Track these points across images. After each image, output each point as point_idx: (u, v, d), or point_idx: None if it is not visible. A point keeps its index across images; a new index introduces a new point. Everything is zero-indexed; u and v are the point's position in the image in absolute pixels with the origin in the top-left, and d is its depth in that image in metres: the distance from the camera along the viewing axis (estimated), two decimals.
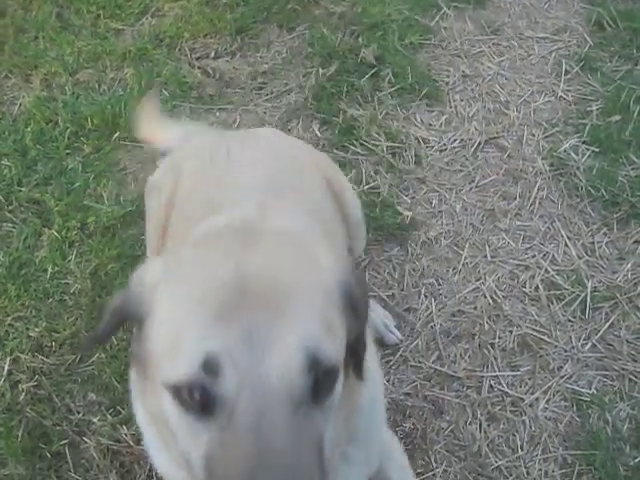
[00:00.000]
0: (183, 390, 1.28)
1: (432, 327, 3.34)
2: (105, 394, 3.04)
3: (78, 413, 2.99)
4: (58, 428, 2.95)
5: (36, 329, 3.20)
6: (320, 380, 1.30)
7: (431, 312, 3.38)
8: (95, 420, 2.96)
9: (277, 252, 1.41)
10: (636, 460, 3.09)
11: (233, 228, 1.55)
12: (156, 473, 2.83)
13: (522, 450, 3.06)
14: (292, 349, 1.26)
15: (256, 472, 1.20)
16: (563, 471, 3.03)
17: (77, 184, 3.73)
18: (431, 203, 3.71)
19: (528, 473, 3.01)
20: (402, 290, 3.41)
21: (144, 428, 1.73)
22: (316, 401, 1.31)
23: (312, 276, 1.40)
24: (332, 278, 1.43)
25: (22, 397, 3.01)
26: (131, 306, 1.44)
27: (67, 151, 3.91)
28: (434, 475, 2.95)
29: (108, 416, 2.97)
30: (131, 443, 2.89)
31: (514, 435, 3.09)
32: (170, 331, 1.34)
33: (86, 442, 2.91)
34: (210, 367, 1.25)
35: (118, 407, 2.99)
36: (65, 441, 2.91)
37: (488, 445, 3.05)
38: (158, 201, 2.47)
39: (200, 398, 1.27)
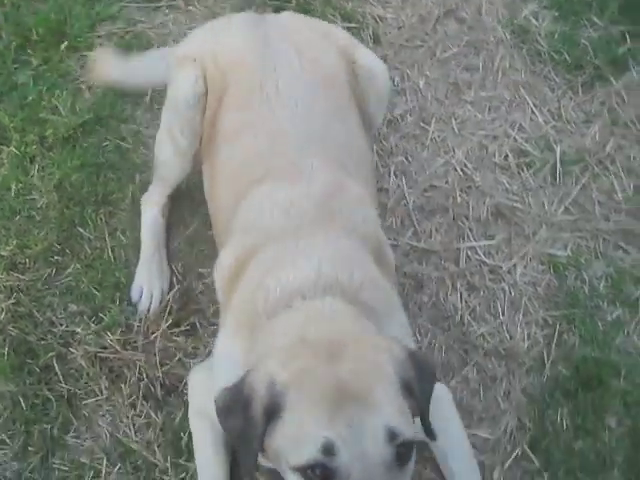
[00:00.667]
0: (309, 470, 1.79)
1: (405, 204, 3.33)
2: (85, 303, 3.01)
3: (61, 325, 2.97)
4: (43, 342, 2.93)
5: (7, 248, 3.14)
6: (400, 450, 1.80)
7: (403, 190, 3.36)
8: (79, 330, 2.94)
9: (355, 362, 1.89)
10: (614, 315, 3.16)
11: (320, 342, 1.95)
12: (147, 374, 2.86)
13: (504, 316, 3.11)
14: (379, 431, 1.78)
15: None
16: (545, 332, 3.09)
17: (30, 98, 3.59)
18: (394, 81, 3.63)
19: (511, 337, 3.07)
20: None
21: None
22: (400, 466, 1.81)
23: (381, 375, 1.90)
24: (395, 372, 1.92)
25: (2, 316, 2.97)
26: (272, 399, 1.86)
27: (15, 65, 3.74)
28: (420, 348, 2.99)
29: (91, 324, 2.95)
30: (118, 348, 2.88)
31: (495, 302, 3.13)
32: (296, 427, 1.83)
33: (73, 352, 2.89)
34: (328, 449, 1.76)
35: (100, 314, 2.98)
36: (52, 354, 2.89)
37: (470, 314, 3.09)
38: (195, 75, 2.87)
39: (322, 472, 1.78)
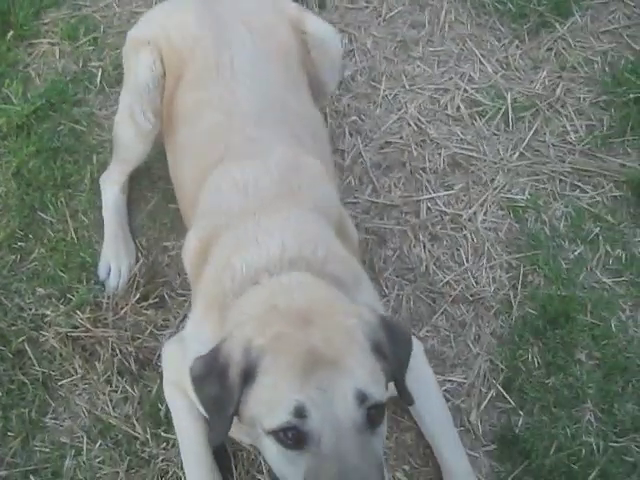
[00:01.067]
0: (281, 433, 1.82)
1: (362, 163, 3.33)
2: (53, 286, 2.99)
3: (30, 310, 2.95)
4: (13, 328, 2.90)
5: None
6: (371, 413, 1.84)
7: (359, 148, 3.36)
8: (48, 312, 2.91)
9: (327, 327, 1.92)
10: (575, 253, 3.19)
11: (291, 310, 1.98)
12: (120, 350, 2.85)
13: (468, 262, 3.13)
14: (349, 394, 1.81)
15: None
16: (509, 275, 3.12)
17: None
18: (342, 44, 3.62)
19: (477, 282, 3.09)
20: None
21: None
22: (372, 429, 1.85)
23: (351, 339, 1.92)
24: (365, 336, 1.95)
25: None
26: (248, 364, 1.88)
27: None
28: (388, 301, 3.00)
29: (60, 306, 2.93)
30: (88, 326, 2.87)
31: (458, 250, 3.15)
32: (270, 391, 1.86)
33: (44, 335, 2.87)
34: (300, 412, 1.79)
35: (68, 295, 2.96)
36: (23, 338, 2.87)
37: (435, 263, 3.11)
38: (152, 58, 2.85)
39: (294, 436, 1.81)
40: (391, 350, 1.99)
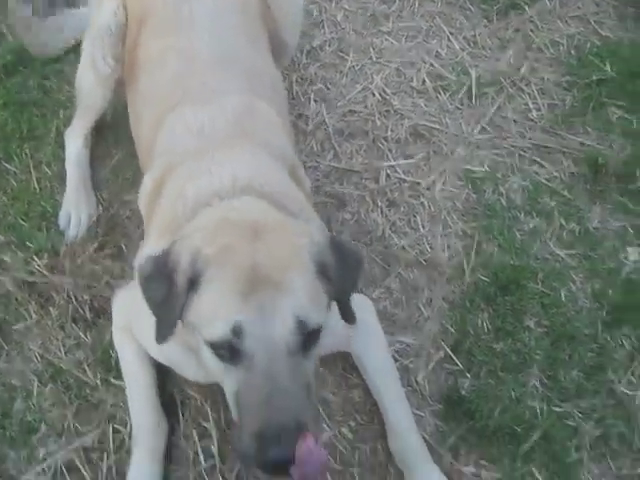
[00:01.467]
0: (217, 346, 1.87)
1: (325, 129, 3.36)
2: (12, 233, 3.00)
3: None
4: None
5: None
6: (307, 337, 1.87)
7: (322, 115, 3.39)
8: (6, 258, 2.92)
9: (273, 244, 1.93)
10: (530, 225, 3.22)
11: (242, 222, 2.00)
12: (75, 297, 2.86)
13: (424, 229, 3.16)
14: (288, 318, 1.84)
15: (266, 405, 1.81)
16: (464, 242, 3.15)
17: None
18: (312, 15, 3.66)
19: (432, 248, 3.12)
20: (292, 98, 3.39)
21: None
22: (305, 352, 1.89)
23: (297, 258, 1.93)
24: (311, 256, 1.95)
25: None
26: (194, 273, 1.90)
27: None
28: None
29: (19, 252, 2.94)
30: (45, 273, 2.88)
31: (414, 217, 3.18)
32: (211, 304, 1.89)
33: (1, 280, 2.88)
34: (237, 331, 1.82)
35: (27, 243, 2.96)
36: None
37: (391, 228, 3.14)
38: (116, 4, 2.88)
39: (230, 352, 1.86)
40: (338, 272, 2.00)
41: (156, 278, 1.98)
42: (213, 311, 1.88)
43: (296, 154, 2.73)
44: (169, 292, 1.94)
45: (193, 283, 1.91)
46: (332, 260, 2.00)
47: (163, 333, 1.99)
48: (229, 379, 1.92)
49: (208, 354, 1.94)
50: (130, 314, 2.55)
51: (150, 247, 2.29)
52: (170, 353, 2.37)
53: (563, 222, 3.23)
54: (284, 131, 2.68)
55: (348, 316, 2.14)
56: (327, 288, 1.99)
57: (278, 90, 2.92)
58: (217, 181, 2.22)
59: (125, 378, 2.63)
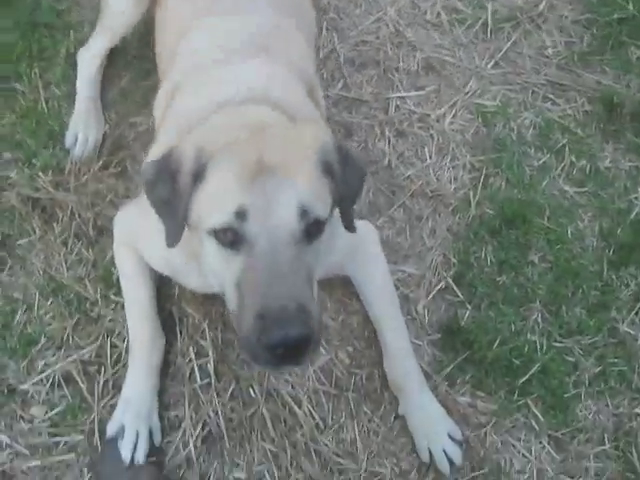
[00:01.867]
0: (221, 232, 1.86)
1: (336, 58, 3.29)
2: (19, 151, 2.96)
3: None
4: None
5: None
6: (310, 227, 1.86)
7: (334, 44, 3.32)
8: (12, 175, 2.90)
9: (280, 138, 1.95)
10: (540, 161, 3.15)
11: (247, 123, 2.01)
12: (79, 214, 2.84)
13: (431, 160, 3.09)
14: (291, 205, 1.83)
15: (268, 288, 1.81)
16: (471, 175, 3.08)
17: None
18: None
19: (438, 179, 3.06)
20: None
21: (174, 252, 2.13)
22: (308, 242, 1.88)
23: (303, 153, 1.93)
24: (318, 153, 1.95)
25: None
26: (198, 168, 1.89)
27: None
28: None
29: (25, 169, 2.91)
30: (50, 189, 2.85)
31: (422, 148, 3.12)
32: (216, 191, 1.89)
33: (6, 196, 2.86)
34: (241, 215, 1.82)
35: (33, 161, 2.93)
36: None
37: (398, 158, 3.08)
38: None
39: (232, 236, 1.85)
40: (342, 175, 2.00)
41: (159, 180, 1.97)
42: (218, 197, 1.88)
43: (317, 78, 2.69)
44: (173, 192, 1.93)
45: (197, 178, 1.90)
46: (337, 162, 1.99)
47: (172, 236, 1.98)
48: (231, 267, 1.90)
49: (211, 246, 1.92)
50: (132, 228, 2.53)
51: (157, 150, 2.27)
52: (173, 262, 2.35)
53: (574, 159, 3.16)
54: (308, 53, 2.65)
55: (349, 225, 2.14)
56: (331, 187, 1.98)
57: (306, 13, 2.88)
58: (232, 89, 2.21)
59: (124, 293, 2.62)
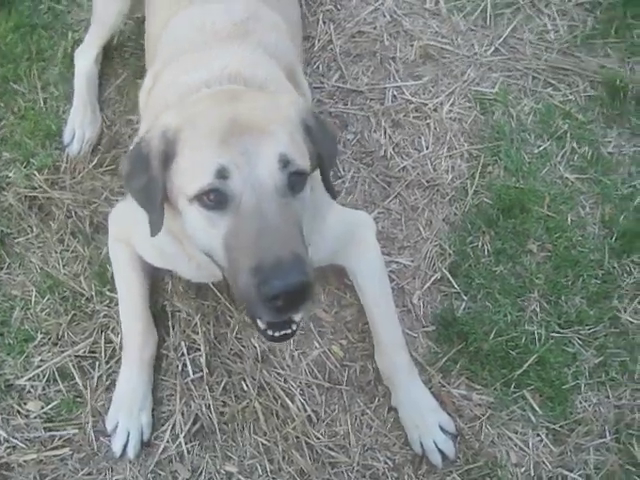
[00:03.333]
0: (204, 196, 1.80)
1: (332, 50, 3.18)
2: (18, 151, 2.95)
3: None
4: None
5: None
6: (292, 177, 1.82)
7: (330, 36, 3.21)
8: (10, 174, 2.88)
9: (254, 101, 1.93)
10: (540, 148, 3.01)
11: (219, 92, 2.03)
12: (75, 212, 2.81)
13: (427, 149, 2.98)
14: (272, 157, 1.79)
15: (259, 241, 1.74)
16: (469, 164, 2.96)
17: None
18: None
19: (434, 169, 2.95)
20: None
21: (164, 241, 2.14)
22: (293, 194, 1.84)
23: (280, 113, 1.92)
24: (294, 114, 1.94)
25: None
26: (167, 146, 1.86)
27: None
28: (343, 182, 2.89)
29: (22, 169, 2.89)
30: (46, 188, 2.82)
31: (419, 138, 3.00)
32: (191, 160, 1.84)
33: (4, 195, 2.85)
34: (222, 174, 1.77)
35: (31, 160, 2.91)
36: None
37: (394, 149, 2.97)
38: None
39: (216, 197, 1.79)
40: (319, 137, 1.98)
41: (134, 171, 1.94)
42: (195, 164, 1.83)
43: (303, 66, 2.64)
44: (148, 179, 1.89)
45: (167, 157, 1.86)
46: (314, 124, 1.98)
47: (154, 223, 1.93)
48: (216, 229, 1.84)
49: (193, 214, 1.86)
50: (125, 224, 2.48)
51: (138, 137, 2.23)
52: (164, 251, 2.30)
53: (575, 146, 3.02)
54: (289, 38, 2.57)
55: (330, 189, 2.11)
56: (309, 146, 1.95)
57: (289, 5, 2.80)
58: (207, 72, 2.17)
59: (118, 287, 2.57)
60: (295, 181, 1.84)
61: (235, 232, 1.80)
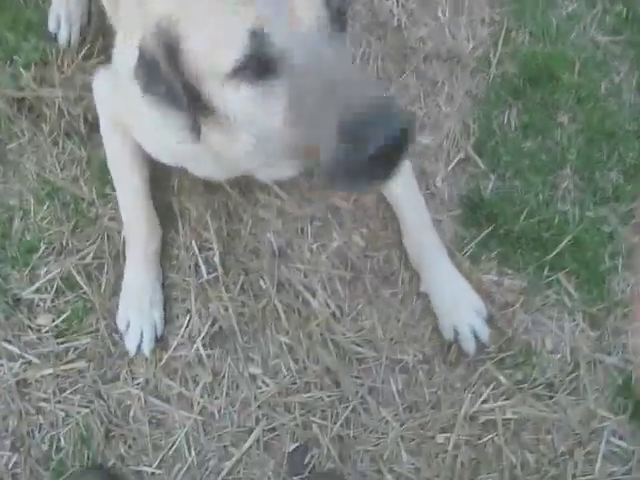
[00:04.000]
0: (243, 68, 1.44)
1: None
2: None
3: None
4: None
5: None
6: (335, 15, 1.45)
7: None
8: None
9: None
10: (569, 9, 2.75)
11: None
12: (67, 111, 2.56)
13: (445, 16, 2.70)
14: None
15: (337, 90, 1.40)
16: (490, 30, 2.69)
17: None
18: None
19: (454, 38, 2.67)
20: None
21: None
22: (339, 31, 1.47)
23: None
24: None
25: None
26: (167, 41, 1.52)
27: None
28: (354, 58, 2.61)
29: (6, 68, 2.61)
30: (34, 86, 2.56)
31: (435, 4, 2.71)
32: (211, 36, 1.47)
33: None
34: (257, 34, 1.40)
35: (14, 57, 2.62)
36: None
37: (408, 18, 2.68)
38: None
39: (259, 64, 1.43)
40: None
41: (149, 82, 1.61)
42: (218, 38, 1.47)
43: None
44: (166, 83, 1.58)
45: (174, 52, 1.53)
46: None
47: (194, 129, 1.63)
48: (273, 102, 1.50)
49: (237, 92, 1.51)
50: (114, 100, 2.18)
51: (121, 49, 2.00)
52: (178, 149, 1.99)
53: (607, 5, 2.74)
54: None
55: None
56: None
57: None
58: None
59: (115, 180, 2.35)
60: (339, 17, 1.48)
61: (297, 97, 1.47)
